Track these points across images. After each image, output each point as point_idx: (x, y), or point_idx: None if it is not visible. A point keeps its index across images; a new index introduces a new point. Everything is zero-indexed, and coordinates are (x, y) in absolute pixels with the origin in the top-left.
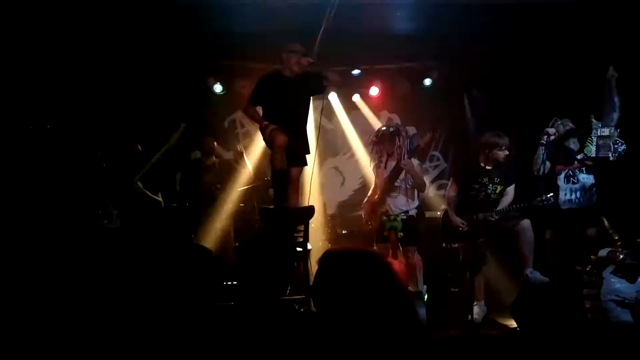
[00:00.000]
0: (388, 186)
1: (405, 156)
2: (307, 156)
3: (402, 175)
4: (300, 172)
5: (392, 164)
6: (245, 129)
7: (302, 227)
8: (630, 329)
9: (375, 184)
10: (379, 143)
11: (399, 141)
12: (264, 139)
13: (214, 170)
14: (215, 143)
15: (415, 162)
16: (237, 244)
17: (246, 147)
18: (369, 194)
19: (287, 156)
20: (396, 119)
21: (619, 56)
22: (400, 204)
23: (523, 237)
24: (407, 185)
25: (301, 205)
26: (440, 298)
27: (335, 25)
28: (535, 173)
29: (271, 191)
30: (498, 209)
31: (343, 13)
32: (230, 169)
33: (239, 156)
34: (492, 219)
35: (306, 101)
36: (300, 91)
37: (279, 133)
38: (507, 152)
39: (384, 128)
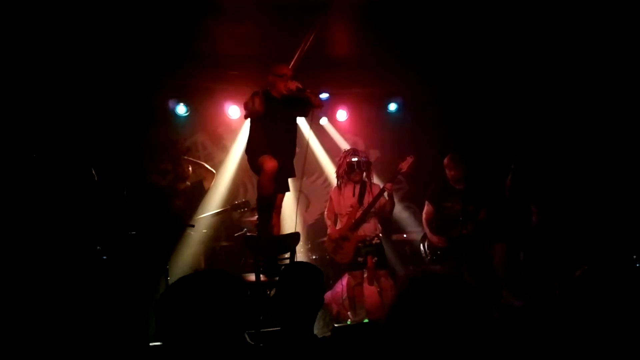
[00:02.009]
0: (363, 212)
1: (373, 179)
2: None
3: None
4: (283, 198)
5: (357, 190)
6: (207, 151)
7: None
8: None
9: (331, 210)
10: (351, 173)
11: (371, 168)
12: (253, 162)
13: (186, 195)
14: (191, 167)
15: (380, 184)
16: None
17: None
18: (329, 223)
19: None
20: (360, 142)
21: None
22: (373, 228)
23: (497, 260)
24: (375, 210)
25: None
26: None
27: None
28: (508, 195)
29: (235, 215)
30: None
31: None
32: (202, 192)
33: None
34: (467, 232)
35: (294, 123)
36: (287, 113)
37: (269, 158)
38: (454, 173)
39: (355, 159)
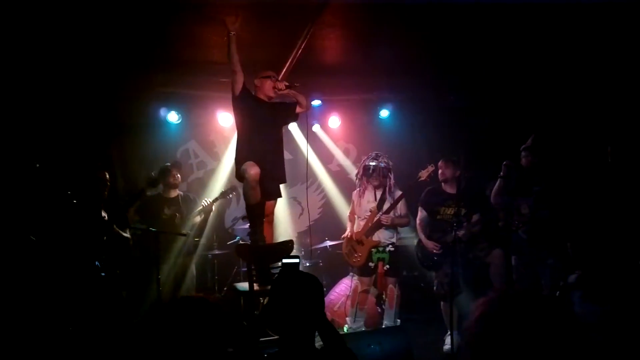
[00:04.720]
0: (378, 218)
1: (394, 189)
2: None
3: (394, 209)
4: (275, 204)
5: (378, 195)
6: (199, 159)
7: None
8: (604, 353)
9: (353, 212)
10: (369, 177)
11: (391, 176)
12: (237, 170)
13: (177, 204)
14: (179, 175)
15: (400, 192)
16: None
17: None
18: (348, 224)
19: (262, 188)
20: (353, 149)
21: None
22: (389, 235)
23: (494, 267)
24: (389, 224)
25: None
26: (411, 328)
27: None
28: (494, 202)
29: (228, 223)
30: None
31: (304, 46)
32: (193, 201)
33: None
34: (460, 234)
35: (280, 129)
36: (275, 117)
37: (251, 165)
38: (444, 173)
39: (374, 163)
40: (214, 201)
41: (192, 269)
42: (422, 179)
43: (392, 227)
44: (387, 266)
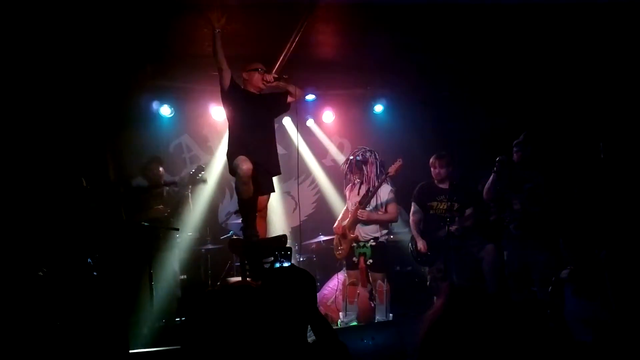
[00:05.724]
0: (353, 212)
1: (375, 183)
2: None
3: (373, 202)
4: (268, 199)
5: (364, 189)
6: (192, 153)
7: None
8: (592, 348)
9: (347, 208)
10: (349, 171)
11: (367, 169)
12: (229, 165)
13: (163, 197)
14: (162, 168)
15: (387, 188)
16: (183, 276)
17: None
18: (339, 218)
19: (254, 183)
20: (347, 143)
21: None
22: (371, 230)
23: (487, 262)
24: (379, 212)
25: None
26: (405, 323)
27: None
28: (486, 198)
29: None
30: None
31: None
32: (182, 197)
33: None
34: (453, 229)
35: (272, 121)
36: (266, 109)
37: (244, 160)
38: (439, 172)
39: (351, 157)
40: (188, 182)
41: (175, 266)
42: (391, 174)
43: (372, 222)
44: (370, 261)
